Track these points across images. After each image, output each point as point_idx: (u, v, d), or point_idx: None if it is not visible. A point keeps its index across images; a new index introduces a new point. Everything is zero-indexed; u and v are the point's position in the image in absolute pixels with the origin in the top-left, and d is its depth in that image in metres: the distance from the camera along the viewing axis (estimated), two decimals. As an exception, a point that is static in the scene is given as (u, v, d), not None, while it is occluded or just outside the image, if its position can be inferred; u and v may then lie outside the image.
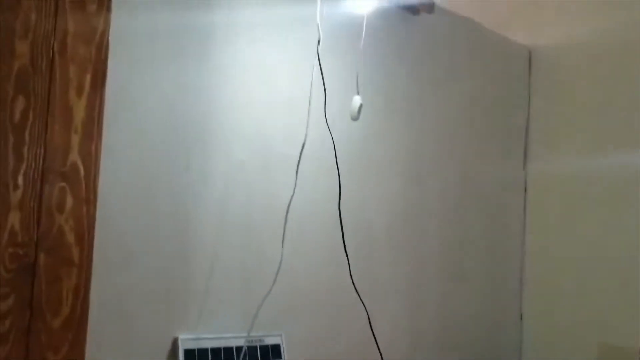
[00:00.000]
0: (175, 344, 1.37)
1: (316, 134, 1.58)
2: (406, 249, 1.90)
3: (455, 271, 2.05)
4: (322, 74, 1.55)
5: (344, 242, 1.58)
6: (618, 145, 2.05)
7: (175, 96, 1.40)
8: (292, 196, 1.51)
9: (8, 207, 1.06)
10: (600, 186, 2.08)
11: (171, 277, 1.38)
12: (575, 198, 2.15)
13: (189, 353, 1.37)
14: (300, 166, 1.53)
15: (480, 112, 2.17)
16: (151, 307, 1.34)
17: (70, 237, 1.13)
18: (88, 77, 1.15)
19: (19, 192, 1.08)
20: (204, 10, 1.45)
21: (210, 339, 1.41)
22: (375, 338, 1.63)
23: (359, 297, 1.60)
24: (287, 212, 1.51)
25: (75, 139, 1.14)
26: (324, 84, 1.56)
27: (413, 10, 1.89)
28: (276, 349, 1.50)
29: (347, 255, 1.58)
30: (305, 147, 1.53)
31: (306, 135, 1.53)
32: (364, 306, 1.61)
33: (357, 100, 1.57)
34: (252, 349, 1.46)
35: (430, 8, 1.91)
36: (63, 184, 1.13)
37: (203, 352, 1.39)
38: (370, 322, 1.63)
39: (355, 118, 1.57)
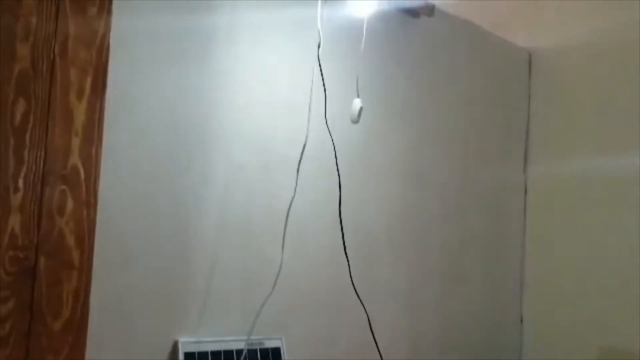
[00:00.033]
0: (175, 346, 1.37)
1: (316, 136, 1.58)
2: (406, 251, 1.90)
3: (455, 273, 2.04)
4: (322, 76, 1.55)
5: (344, 244, 1.58)
6: (618, 147, 2.05)
7: (176, 98, 1.40)
8: (292, 198, 1.51)
9: (8, 210, 1.06)
10: (601, 188, 2.08)
11: (171, 279, 1.38)
12: (576, 200, 2.15)
13: (189, 356, 1.37)
14: (300, 168, 1.53)
15: (480, 115, 2.17)
16: (151, 310, 1.34)
17: (71, 240, 1.13)
18: (89, 80, 1.15)
19: (20, 195, 1.08)
20: (205, 12, 1.45)
21: (210, 342, 1.41)
22: (375, 340, 1.63)
23: (359, 299, 1.60)
24: (288, 214, 1.51)
25: (76, 142, 1.14)
26: (324, 86, 1.56)
27: (413, 13, 1.89)
28: (276, 352, 1.50)
29: (347, 257, 1.58)
30: (306, 149, 1.53)
31: (306, 138, 1.53)
32: (364, 308, 1.61)
33: (357, 103, 1.57)
34: (252, 352, 1.46)
35: (430, 11, 1.91)
36: (63, 186, 1.13)
37: (203, 355, 1.39)
38: (370, 324, 1.63)
39: (355, 121, 1.57)
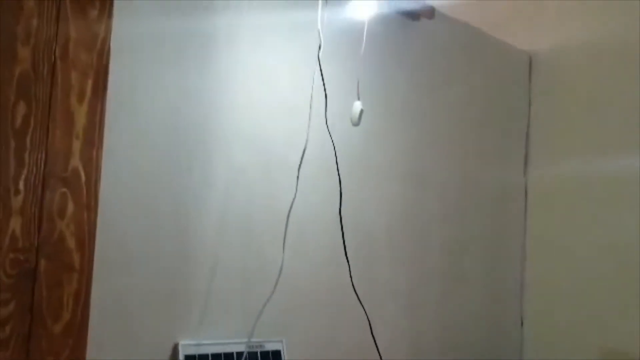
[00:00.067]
0: (175, 349, 1.37)
1: (317, 138, 1.58)
2: (406, 252, 1.90)
3: (455, 274, 2.04)
4: (322, 79, 1.55)
5: (344, 246, 1.58)
6: (618, 148, 2.05)
7: (177, 100, 1.40)
8: (293, 200, 1.51)
9: (9, 213, 1.06)
10: (601, 189, 2.08)
11: (172, 281, 1.38)
12: (576, 201, 2.15)
13: (189, 359, 1.37)
14: (301, 170, 1.53)
15: (480, 117, 2.17)
16: (152, 312, 1.34)
17: (71, 243, 1.14)
18: (89, 83, 1.16)
19: (20, 198, 1.08)
20: (205, 15, 1.45)
21: (210, 345, 1.41)
22: (375, 342, 1.63)
23: (360, 301, 1.59)
24: (288, 215, 1.51)
25: (77, 145, 1.14)
26: (324, 89, 1.56)
27: (413, 16, 1.89)
28: (277, 355, 1.50)
29: (347, 259, 1.58)
30: (306, 151, 1.53)
31: (307, 140, 1.53)
32: (365, 310, 1.61)
33: (357, 105, 1.57)
34: (252, 355, 1.46)
35: (431, 14, 1.91)
36: (64, 189, 1.13)
37: (204, 357, 1.39)
38: (370, 326, 1.63)
39: (356, 123, 1.57)
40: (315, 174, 1.63)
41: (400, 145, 1.90)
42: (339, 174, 1.58)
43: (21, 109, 1.08)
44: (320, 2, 1.54)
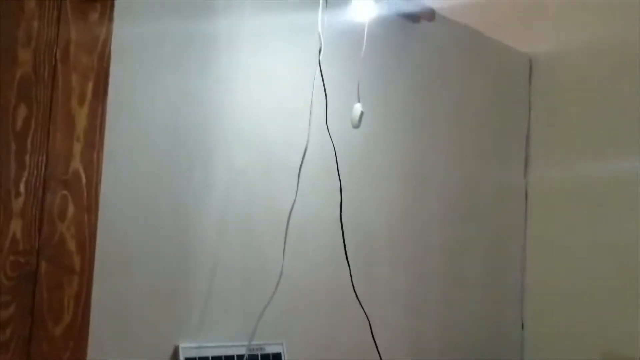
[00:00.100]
0: (176, 352, 1.37)
1: (317, 141, 1.58)
2: (407, 254, 1.89)
3: (456, 277, 2.04)
4: (323, 81, 1.55)
5: (345, 248, 1.58)
6: (619, 151, 2.05)
7: (178, 103, 1.40)
8: (293, 202, 1.51)
9: (10, 215, 1.06)
10: (601, 192, 2.08)
11: (172, 284, 1.38)
12: (576, 204, 2.15)
13: (190, 361, 1.37)
14: (301, 172, 1.53)
15: (480, 119, 2.17)
16: (152, 315, 1.34)
17: (72, 245, 1.14)
18: (90, 86, 1.16)
19: (21, 200, 1.08)
20: (206, 17, 1.45)
21: (211, 347, 1.41)
22: (376, 343, 1.63)
23: (360, 303, 1.59)
24: (289, 218, 1.51)
25: (77, 147, 1.14)
26: (325, 91, 1.56)
27: (414, 18, 1.89)
28: (277, 357, 1.50)
29: (348, 262, 1.58)
30: (307, 153, 1.53)
31: (307, 142, 1.53)
32: (365, 312, 1.61)
33: (358, 108, 1.57)
34: (253, 357, 1.46)
35: (431, 16, 1.91)
36: (65, 191, 1.13)
37: (204, 360, 1.39)
38: (371, 328, 1.63)
39: (356, 126, 1.57)
40: (316, 176, 1.63)
41: (400, 147, 1.90)
42: (339, 176, 1.58)
43: (22, 111, 1.08)
44: (320, 4, 1.54)
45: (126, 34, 1.27)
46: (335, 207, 1.59)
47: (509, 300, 2.23)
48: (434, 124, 2.00)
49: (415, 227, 1.92)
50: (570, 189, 2.17)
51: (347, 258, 1.58)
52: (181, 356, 1.36)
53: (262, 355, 1.47)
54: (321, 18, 1.54)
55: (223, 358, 1.41)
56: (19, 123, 1.08)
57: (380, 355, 1.64)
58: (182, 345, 1.37)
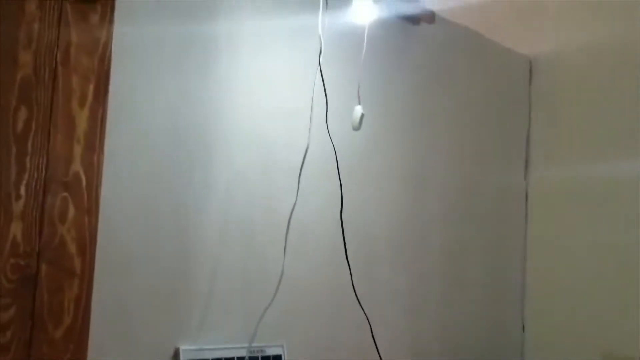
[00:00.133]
0: (176, 354, 1.36)
1: (318, 143, 1.58)
2: (407, 256, 1.89)
3: (456, 278, 2.04)
4: (323, 83, 1.55)
5: (345, 251, 1.58)
6: (619, 152, 2.05)
7: (178, 105, 1.40)
8: (294, 204, 1.51)
9: (10, 218, 1.06)
10: (602, 193, 2.08)
11: (173, 285, 1.38)
12: (576, 205, 2.15)
13: (190, 363, 1.37)
14: (302, 174, 1.53)
15: (481, 121, 2.17)
16: (153, 317, 1.34)
17: (72, 248, 1.14)
18: (91, 88, 1.16)
19: (21, 202, 1.08)
20: (206, 20, 1.45)
21: (211, 350, 1.40)
22: (376, 345, 1.63)
23: (360, 305, 1.59)
24: (289, 221, 1.51)
25: (78, 149, 1.14)
26: (325, 93, 1.56)
27: (414, 20, 1.89)
28: (278, 360, 1.50)
29: (348, 264, 1.58)
30: (307, 156, 1.53)
31: (308, 144, 1.53)
32: (365, 314, 1.61)
33: (358, 110, 1.57)
34: (253, 360, 1.46)
35: (431, 18, 1.91)
36: (65, 194, 1.13)
37: (204, 362, 1.39)
38: (371, 329, 1.62)
39: (356, 128, 1.57)
40: (316, 177, 1.63)
41: (400, 148, 1.90)
42: (339, 178, 1.58)
43: (22, 113, 1.08)
44: (321, 6, 1.54)
45: (127, 35, 1.27)
46: (335, 208, 1.59)
47: (509, 300, 2.23)
48: (434, 126, 2.00)
49: (415, 228, 1.92)
50: (570, 189, 2.17)
51: (347, 259, 1.58)
52: (181, 358, 1.35)
53: (262, 357, 1.47)
54: (321, 20, 1.54)
55: (223, 360, 1.41)
56: (20, 125, 1.08)
57: (380, 356, 1.64)
58: (182, 347, 1.37)
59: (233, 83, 1.50)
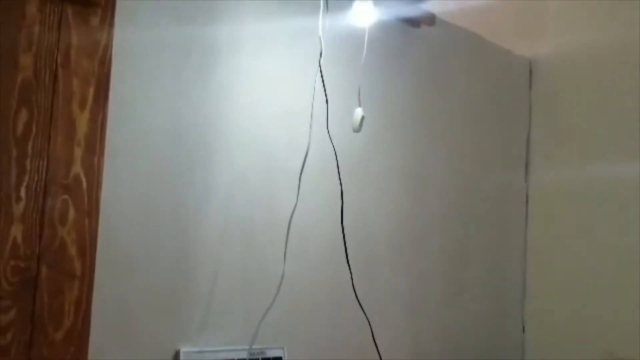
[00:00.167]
0: (177, 356, 1.36)
1: (318, 146, 1.58)
2: (408, 259, 1.89)
3: (457, 281, 2.04)
4: (324, 85, 1.55)
5: (346, 254, 1.58)
6: (620, 154, 2.05)
7: (178, 107, 1.40)
8: (294, 206, 1.51)
9: (10, 220, 1.06)
10: (602, 195, 2.07)
11: (173, 288, 1.38)
12: (577, 207, 2.15)
13: (190, 366, 1.36)
14: (302, 176, 1.53)
15: (481, 124, 2.17)
16: (153, 319, 1.34)
17: (72, 250, 1.14)
18: (91, 91, 1.16)
19: (22, 205, 1.08)
20: (207, 22, 1.46)
21: (212, 352, 1.40)
22: (377, 348, 1.63)
23: (361, 307, 1.59)
24: (290, 222, 1.51)
25: (78, 152, 1.14)
26: (325, 96, 1.56)
27: (414, 22, 1.89)
28: (278, 362, 1.50)
29: (349, 268, 1.58)
30: (308, 158, 1.53)
31: (308, 147, 1.53)
32: (366, 316, 1.60)
33: (358, 112, 1.57)
34: (254, 362, 1.46)
35: (431, 21, 1.91)
36: (65, 196, 1.13)
37: (205, 364, 1.39)
38: (372, 332, 1.62)
39: (357, 130, 1.58)
40: (317, 180, 1.63)
41: (401, 150, 1.90)
42: (340, 182, 1.58)
43: (23, 116, 1.08)
44: (321, 9, 1.55)
45: (127, 38, 1.28)
46: (335, 209, 1.59)
47: (509, 301, 2.23)
48: (434, 127, 2.01)
49: (415, 229, 1.92)
50: (570, 190, 2.17)
51: (347, 261, 1.58)
52: (182, 361, 1.36)
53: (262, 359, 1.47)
54: (322, 22, 1.54)
55: (224, 362, 1.41)
56: (20, 128, 1.08)
57: (380, 357, 1.63)
58: (183, 349, 1.37)
59: (234, 85, 1.50)
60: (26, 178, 1.08)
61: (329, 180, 1.61)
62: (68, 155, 1.13)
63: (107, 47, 1.18)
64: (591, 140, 2.13)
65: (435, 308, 1.97)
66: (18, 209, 1.07)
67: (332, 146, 1.58)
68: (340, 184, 1.58)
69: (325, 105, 1.57)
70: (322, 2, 1.55)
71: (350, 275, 1.58)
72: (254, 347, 1.46)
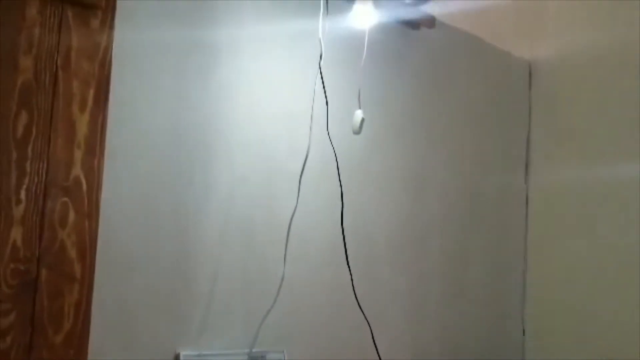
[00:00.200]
0: (176, 359, 1.36)
1: (318, 147, 1.58)
2: (409, 261, 1.89)
3: (457, 282, 2.04)
4: (324, 87, 1.55)
5: (346, 256, 1.58)
6: (620, 156, 2.05)
7: (179, 109, 1.40)
8: (294, 208, 1.51)
9: (10, 222, 1.06)
10: (602, 197, 2.08)
11: (173, 291, 1.37)
12: (577, 209, 2.15)
13: (190, 368, 1.36)
14: (302, 178, 1.53)
15: (481, 125, 2.17)
16: (153, 322, 1.34)
17: (72, 253, 1.13)
18: (91, 93, 1.16)
19: (22, 207, 1.08)
20: (207, 25, 1.46)
21: (212, 355, 1.40)
22: (377, 351, 1.62)
23: (362, 310, 1.59)
24: (290, 225, 1.51)
25: (78, 154, 1.14)
26: (326, 97, 1.56)
27: (414, 25, 1.89)
28: (278, 364, 1.50)
29: (349, 270, 1.58)
30: (308, 159, 1.53)
31: (308, 149, 1.53)
32: (366, 319, 1.60)
33: (358, 114, 1.57)
34: (254, 365, 1.46)
35: (431, 23, 1.91)
36: (65, 198, 1.13)
37: (205, 367, 1.38)
38: (372, 335, 1.62)
39: (357, 132, 1.58)
40: (317, 181, 1.63)
41: (401, 152, 1.90)
42: (340, 184, 1.58)
43: (23, 118, 1.08)
44: (321, 11, 1.55)
45: (127, 40, 1.27)
46: (335, 210, 1.59)
47: (509, 301, 2.22)
48: (434, 129, 2.01)
49: (415, 230, 1.92)
50: (570, 191, 2.17)
51: (347, 262, 1.58)
52: (182, 363, 1.35)
53: (263, 363, 1.47)
54: (322, 25, 1.54)
55: (224, 365, 1.41)
56: (20, 130, 1.08)
57: (380, 358, 1.63)
58: (182, 352, 1.37)
59: (234, 87, 1.50)
60: (26, 180, 1.08)
61: (329, 182, 1.61)
62: (68, 157, 1.13)
63: (108, 50, 1.18)
64: (591, 141, 2.13)
65: (435, 309, 1.97)
66: (18, 211, 1.07)
67: (332, 148, 1.57)
68: (340, 186, 1.58)
69: (325, 107, 1.57)
70: (322, 4, 1.55)
71: (350, 276, 1.58)
72: (254, 350, 1.46)
